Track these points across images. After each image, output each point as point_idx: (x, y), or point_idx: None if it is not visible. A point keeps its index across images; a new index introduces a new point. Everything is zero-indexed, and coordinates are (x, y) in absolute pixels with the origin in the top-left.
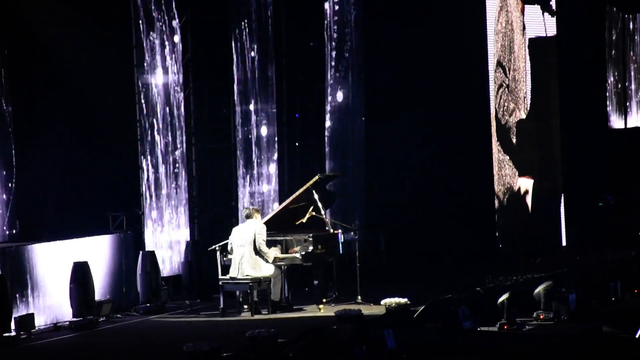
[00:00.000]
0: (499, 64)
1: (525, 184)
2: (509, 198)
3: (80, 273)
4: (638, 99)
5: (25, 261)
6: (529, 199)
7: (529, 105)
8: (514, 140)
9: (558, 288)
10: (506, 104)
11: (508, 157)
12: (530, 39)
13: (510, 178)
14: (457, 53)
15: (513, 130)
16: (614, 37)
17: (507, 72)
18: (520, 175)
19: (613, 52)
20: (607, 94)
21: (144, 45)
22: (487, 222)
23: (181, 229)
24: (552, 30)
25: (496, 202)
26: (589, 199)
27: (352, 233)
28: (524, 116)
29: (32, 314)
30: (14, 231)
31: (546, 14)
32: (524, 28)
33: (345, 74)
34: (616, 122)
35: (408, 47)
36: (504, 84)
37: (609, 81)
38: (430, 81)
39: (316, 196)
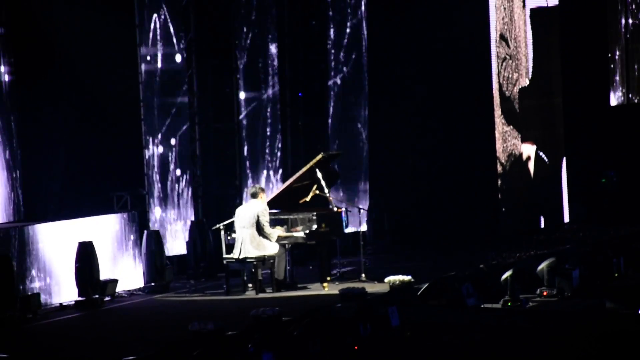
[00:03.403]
0: (502, 37)
1: (528, 150)
2: (512, 163)
3: (85, 253)
4: None
5: (30, 241)
6: (531, 165)
7: (530, 74)
8: (518, 110)
9: (561, 265)
10: (510, 75)
11: (512, 127)
12: (531, 9)
13: (515, 146)
14: (459, 27)
15: (517, 100)
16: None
17: (510, 44)
18: (523, 141)
19: (617, 22)
20: (610, 70)
21: (147, 24)
22: (491, 199)
23: (185, 209)
24: (553, 0)
25: (499, 167)
26: (591, 175)
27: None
28: (527, 83)
29: (38, 294)
30: (19, 211)
31: None
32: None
33: (348, 52)
34: (619, 98)
35: (410, 24)
36: (507, 56)
37: (612, 56)
38: (433, 56)
39: (320, 175)
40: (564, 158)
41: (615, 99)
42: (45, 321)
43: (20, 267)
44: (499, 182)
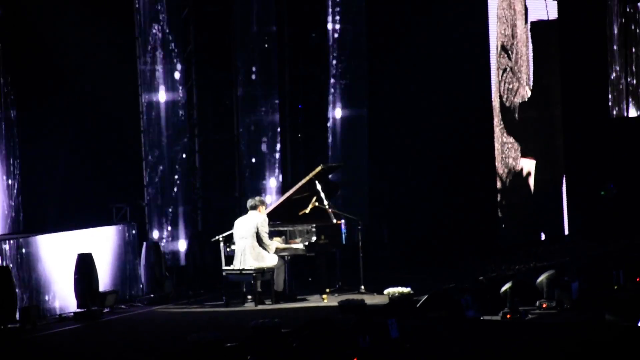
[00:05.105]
0: (503, 48)
1: (528, 165)
2: (511, 179)
3: (85, 264)
4: None
5: (29, 252)
6: (531, 180)
7: (532, 84)
8: (518, 122)
9: (560, 277)
10: (510, 86)
11: (512, 139)
12: (532, 22)
13: (514, 160)
14: (459, 37)
15: (517, 111)
16: (615, 27)
17: (511, 56)
18: (522, 156)
19: (615, 41)
20: (609, 82)
21: (146, 36)
22: (490, 211)
23: (185, 220)
24: (553, 14)
25: (499, 182)
26: (591, 188)
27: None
28: (529, 93)
29: (37, 305)
30: (19, 222)
31: None
32: (525, 11)
33: (348, 63)
34: (618, 110)
35: (410, 34)
36: (507, 67)
37: (611, 68)
38: (433, 67)
39: (319, 187)
40: (564, 171)
41: (615, 111)
42: (44, 332)
43: (20, 278)
44: (499, 197)
